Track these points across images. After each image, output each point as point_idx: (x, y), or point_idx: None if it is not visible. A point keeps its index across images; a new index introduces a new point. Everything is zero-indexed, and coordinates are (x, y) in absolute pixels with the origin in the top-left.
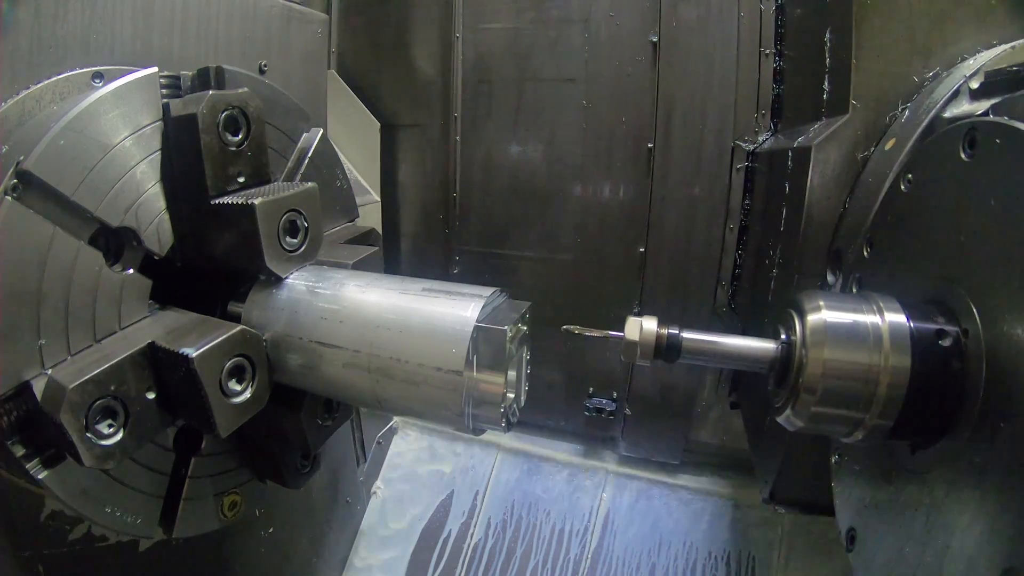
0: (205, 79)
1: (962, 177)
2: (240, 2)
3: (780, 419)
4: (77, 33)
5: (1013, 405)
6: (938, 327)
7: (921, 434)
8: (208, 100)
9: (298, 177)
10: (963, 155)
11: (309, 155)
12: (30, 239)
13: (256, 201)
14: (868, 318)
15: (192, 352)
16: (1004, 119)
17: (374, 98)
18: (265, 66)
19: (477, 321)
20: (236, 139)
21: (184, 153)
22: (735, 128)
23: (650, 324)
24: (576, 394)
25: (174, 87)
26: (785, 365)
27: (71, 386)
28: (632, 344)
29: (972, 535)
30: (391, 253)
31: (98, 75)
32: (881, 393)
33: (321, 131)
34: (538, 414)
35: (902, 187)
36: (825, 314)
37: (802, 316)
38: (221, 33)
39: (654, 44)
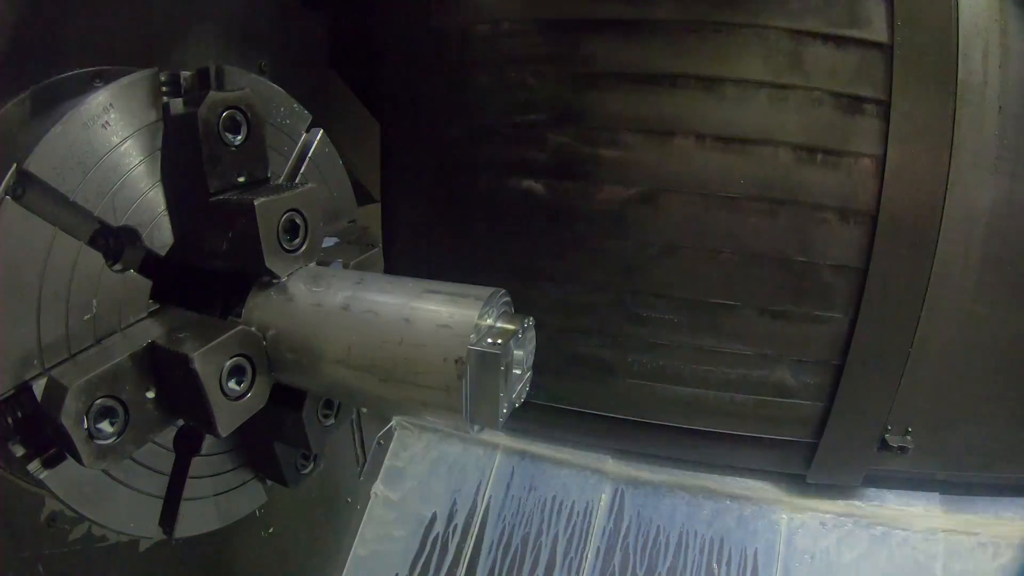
0: (205, 79)
1: None
2: (240, 2)
3: None
4: (77, 33)
5: None
6: None
7: None
8: (208, 100)
9: (298, 177)
10: None
11: (309, 155)
12: (30, 239)
13: (256, 201)
14: None
15: (192, 352)
16: None
17: None
18: (265, 66)
19: (477, 321)
20: (236, 139)
21: (184, 153)
22: None
23: None
24: None
25: (174, 87)
26: None
27: (71, 386)
28: None
29: None
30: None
31: (98, 75)
32: None
33: (321, 131)
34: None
35: None
36: None
37: None
38: (221, 33)
39: None
